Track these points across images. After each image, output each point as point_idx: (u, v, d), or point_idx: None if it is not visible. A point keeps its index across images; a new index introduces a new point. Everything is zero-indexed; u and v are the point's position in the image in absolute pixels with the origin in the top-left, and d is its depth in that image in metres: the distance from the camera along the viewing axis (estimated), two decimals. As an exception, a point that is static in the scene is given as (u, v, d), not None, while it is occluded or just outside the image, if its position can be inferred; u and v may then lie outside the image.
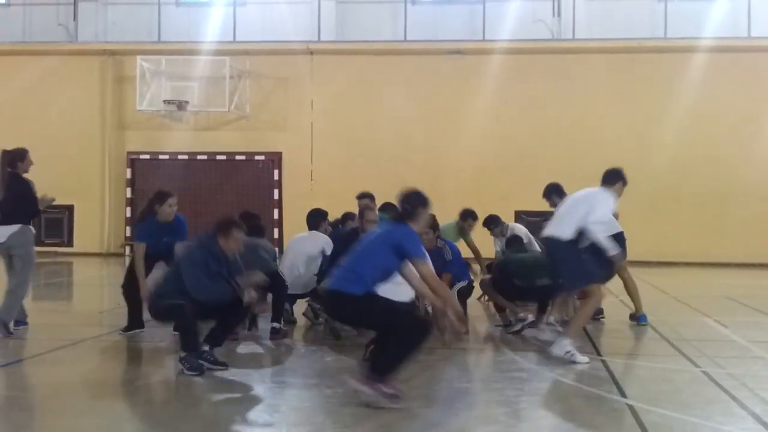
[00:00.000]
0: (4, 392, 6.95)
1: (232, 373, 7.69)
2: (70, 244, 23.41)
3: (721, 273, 18.78)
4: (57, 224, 23.35)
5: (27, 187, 9.38)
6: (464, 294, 10.21)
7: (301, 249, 10.22)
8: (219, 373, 7.57)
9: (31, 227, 9.46)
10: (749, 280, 17.45)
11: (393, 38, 22.86)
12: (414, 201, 6.51)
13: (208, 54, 22.41)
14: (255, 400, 6.61)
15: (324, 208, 11.01)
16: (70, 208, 23.30)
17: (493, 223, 12.34)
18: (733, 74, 21.45)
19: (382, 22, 23.16)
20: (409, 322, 6.29)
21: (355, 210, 10.90)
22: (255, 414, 6.13)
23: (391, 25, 23.07)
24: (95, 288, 16.52)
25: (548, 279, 9.52)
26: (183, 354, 7.32)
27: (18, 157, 9.38)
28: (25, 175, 9.42)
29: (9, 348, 8.67)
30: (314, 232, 10.53)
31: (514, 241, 11.07)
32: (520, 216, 18.93)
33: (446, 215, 12.03)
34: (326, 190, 20.91)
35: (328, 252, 10.26)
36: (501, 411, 6.20)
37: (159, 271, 9.06)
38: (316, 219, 10.78)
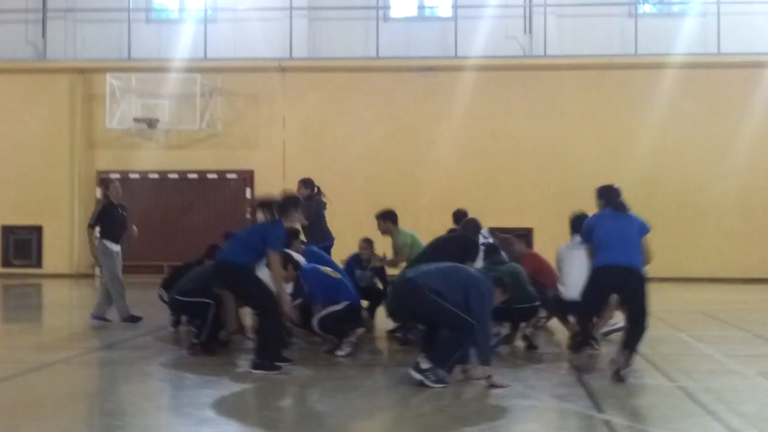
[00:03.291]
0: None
1: (204, 393, 7.59)
2: (39, 265, 23.08)
3: (695, 288, 18.86)
4: (26, 245, 23.00)
5: None
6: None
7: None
8: (190, 393, 7.46)
9: None
10: (723, 294, 17.54)
11: (365, 55, 22.82)
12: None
13: (178, 71, 22.25)
14: (228, 419, 6.49)
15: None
16: (38, 229, 22.99)
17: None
18: (704, 90, 21.60)
19: (354, 39, 23.13)
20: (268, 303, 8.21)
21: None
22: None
23: (363, 42, 23.04)
24: (65, 309, 16.28)
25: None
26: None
27: None
28: None
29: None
30: (286, 251, 10.44)
31: (493, 252, 10.76)
32: (492, 233, 18.90)
33: (420, 230, 12.04)
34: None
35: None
36: (478, 428, 6.13)
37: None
38: (288, 238, 10.69)
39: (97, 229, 12.06)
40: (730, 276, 20.57)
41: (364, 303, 10.67)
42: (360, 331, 9.65)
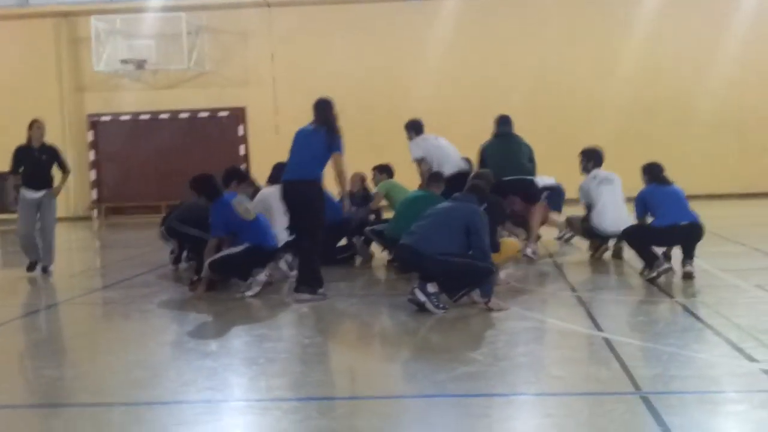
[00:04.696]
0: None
1: (206, 328, 7.66)
2: (36, 210, 23.06)
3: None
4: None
5: None
6: None
7: (271, 203, 10.13)
8: (194, 327, 7.54)
9: None
10: (719, 210, 17.57)
11: (352, -15, 22.54)
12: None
13: (162, 11, 21.98)
14: (232, 353, 6.56)
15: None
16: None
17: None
18: (692, 5, 21.42)
19: (339, -31, 22.81)
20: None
21: None
22: (233, 367, 6.09)
23: (349, -28, 22.73)
24: (63, 252, 16.31)
25: None
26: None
27: None
28: None
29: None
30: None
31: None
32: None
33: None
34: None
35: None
36: (478, 351, 6.20)
37: None
38: (280, 172, 10.68)
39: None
40: (726, 192, 20.62)
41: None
42: (264, 273, 9.06)
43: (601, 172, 10.93)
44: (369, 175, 12.05)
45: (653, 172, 9.56)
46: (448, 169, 10.86)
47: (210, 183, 9.03)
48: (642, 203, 9.43)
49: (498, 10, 21.85)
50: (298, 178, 8.55)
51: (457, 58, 21.79)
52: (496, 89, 21.72)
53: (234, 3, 22.40)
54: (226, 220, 8.81)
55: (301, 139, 8.73)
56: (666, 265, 9.01)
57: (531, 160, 11.35)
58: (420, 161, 11.24)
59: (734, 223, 15.19)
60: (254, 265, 8.92)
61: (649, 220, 9.36)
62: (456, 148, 11.61)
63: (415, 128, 11.66)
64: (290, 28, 22.35)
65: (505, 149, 11.19)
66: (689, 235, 9.14)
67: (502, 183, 10.35)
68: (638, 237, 9.33)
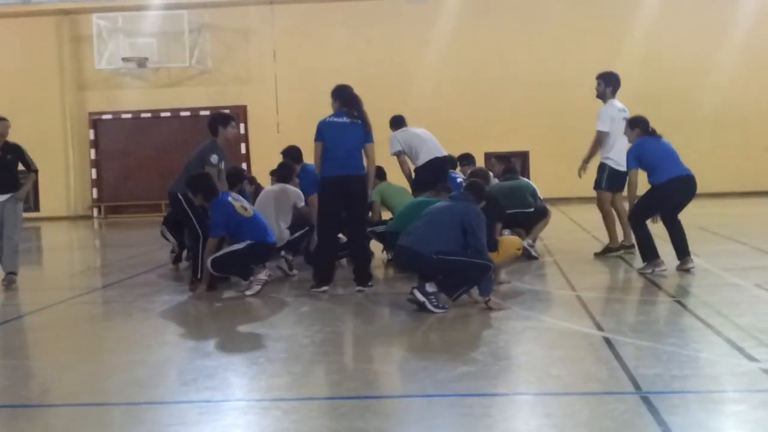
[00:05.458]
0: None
1: (207, 327, 7.66)
2: (36, 208, 23.09)
3: (692, 203, 18.84)
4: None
5: None
6: None
7: (273, 202, 10.15)
8: (195, 327, 7.55)
9: None
10: (720, 209, 17.59)
11: (353, -17, 22.54)
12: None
13: (164, 8, 21.99)
14: (232, 353, 6.56)
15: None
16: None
17: (466, 160, 12.44)
18: (693, 1, 21.44)
19: (341, -33, 22.81)
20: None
21: None
22: (233, 366, 6.09)
23: (351, -30, 22.73)
24: (64, 251, 16.35)
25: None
26: None
27: None
28: None
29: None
30: (285, 185, 10.48)
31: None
32: (489, 158, 18.90)
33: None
34: (294, 140, 20.65)
35: (300, 204, 10.26)
36: (478, 351, 6.19)
37: None
38: (285, 172, 10.74)
39: None
40: (726, 190, 20.62)
41: None
42: (265, 273, 8.99)
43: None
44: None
45: (643, 125, 9.60)
46: (423, 157, 11.07)
47: (208, 182, 9.01)
48: (635, 156, 9.38)
49: (499, 9, 21.89)
50: (351, 174, 8.60)
51: (459, 56, 21.81)
52: (497, 87, 21.75)
53: (236, 1, 22.44)
54: (226, 218, 8.79)
55: (339, 132, 8.66)
56: (663, 267, 9.09)
57: (534, 196, 11.34)
58: (398, 155, 11.33)
59: (735, 221, 15.20)
60: (256, 261, 8.92)
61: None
62: (438, 141, 11.55)
63: (395, 123, 11.75)
64: (292, 26, 22.38)
65: (509, 187, 11.20)
66: (687, 189, 9.26)
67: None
68: (641, 213, 9.31)
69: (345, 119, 8.71)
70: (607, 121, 10.84)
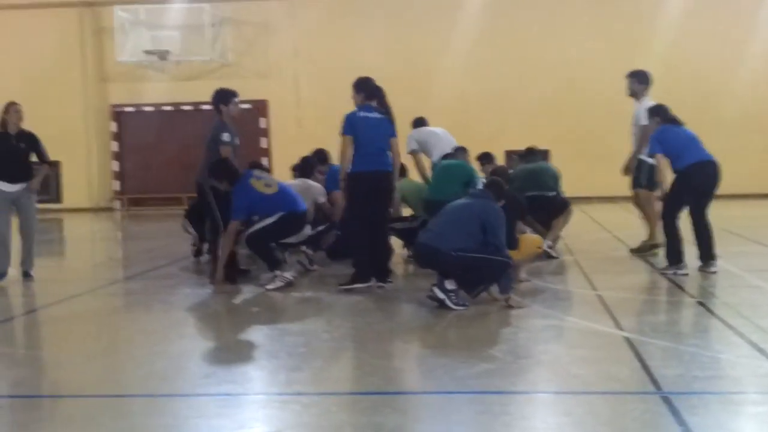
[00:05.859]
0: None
1: (227, 321, 7.69)
2: (59, 200, 23.23)
3: (713, 204, 18.72)
4: (45, 181, 23.08)
5: None
6: None
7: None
8: (215, 320, 7.58)
9: None
10: (742, 210, 17.49)
11: (374, -23, 22.52)
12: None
13: (186, 1, 22.05)
14: (252, 347, 6.59)
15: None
16: (56, 164, 23.08)
17: (486, 159, 12.36)
18: (718, 0, 21.30)
19: (363, -39, 22.79)
20: None
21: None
22: (253, 360, 6.11)
23: (373, -36, 22.71)
24: (87, 242, 16.45)
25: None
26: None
27: None
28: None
29: (5, 304, 8.64)
30: (306, 180, 10.51)
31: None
32: (510, 156, 18.84)
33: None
34: (315, 135, 20.72)
35: (321, 200, 10.28)
36: (498, 348, 6.19)
37: None
38: (307, 167, 10.78)
39: None
40: (748, 192, 20.46)
41: None
42: (290, 273, 8.97)
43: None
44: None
45: (663, 113, 9.63)
46: (437, 154, 11.40)
47: (229, 167, 9.01)
48: (658, 140, 9.33)
49: (523, 6, 21.82)
50: (381, 170, 8.58)
51: (482, 53, 21.76)
52: (518, 85, 21.68)
53: (257, -6, 22.46)
54: (248, 201, 8.77)
55: (371, 128, 8.57)
56: (684, 271, 9.04)
57: (555, 180, 11.28)
58: (414, 153, 11.68)
59: (758, 223, 15.11)
60: (290, 231, 8.97)
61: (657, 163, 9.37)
62: (456, 140, 11.83)
63: (415, 124, 12.27)
64: (313, 21, 22.39)
65: (531, 170, 11.24)
66: (710, 174, 9.20)
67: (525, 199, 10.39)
68: (672, 206, 9.24)
69: (375, 114, 8.64)
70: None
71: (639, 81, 11.11)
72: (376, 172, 8.54)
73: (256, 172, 9.32)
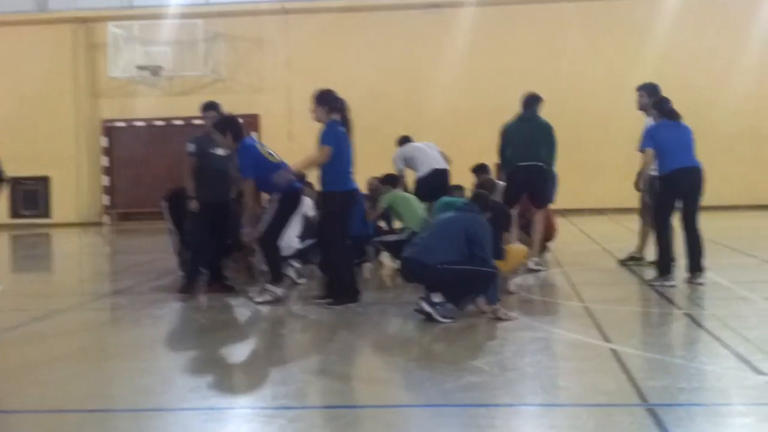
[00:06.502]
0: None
1: (213, 335, 7.67)
2: (47, 215, 23.19)
3: (704, 215, 18.57)
4: (33, 195, 23.12)
5: None
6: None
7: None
8: (202, 334, 7.56)
9: None
10: (732, 221, 17.53)
11: (368, -7, 22.62)
12: None
13: (180, 17, 22.10)
14: (238, 361, 6.57)
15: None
16: (45, 179, 23.09)
17: (480, 170, 12.40)
18: (709, 12, 21.39)
19: (357, -23, 22.88)
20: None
21: None
22: (238, 374, 6.10)
23: (365, -20, 22.80)
24: (75, 257, 16.40)
25: None
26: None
27: None
28: None
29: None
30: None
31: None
32: (501, 168, 18.85)
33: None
34: (305, 148, 20.69)
35: (310, 214, 10.26)
36: (485, 361, 6.18)
37: None
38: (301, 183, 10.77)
39: None
40: (739, 203, 20.53)
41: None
42: (281, 290, 8.85)
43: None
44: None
45: (663, 108, 9.59)
46: (424, 169, 11.63)
47: (237, 124, 9.07)
48: (651, 136, 9.32)
49: (515, 21, 21.90)
50: (356, 188, 8.67)
51: (474, 67, 21.82)
52: (512, 98, 21.68)
53: (250, 10, 22.52)
54: (254, 160, 8.69)
55: (348, 145, 8.47)
56: (672, 282, 9.04)
57: (549, 149, 11.10)
58: (399, 173, 11.88)
59: (748, 234, 15.13)
60: (292, 211, 8.91)
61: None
62: (440, 153, 12.14)
63: (400, 142, 12.53)
64: (306, 36, 22.44)
65: (526, 135, 11.11)
66: (692, 181, 9.18)
67: (517, 168, 10.68)
68: (660, 211, 9.30)
69: (343, 129, 8.47)
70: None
71: (649, 94, 10.58)
72: (354, 191, 8.59)
73: (260, 142, 9.40)
